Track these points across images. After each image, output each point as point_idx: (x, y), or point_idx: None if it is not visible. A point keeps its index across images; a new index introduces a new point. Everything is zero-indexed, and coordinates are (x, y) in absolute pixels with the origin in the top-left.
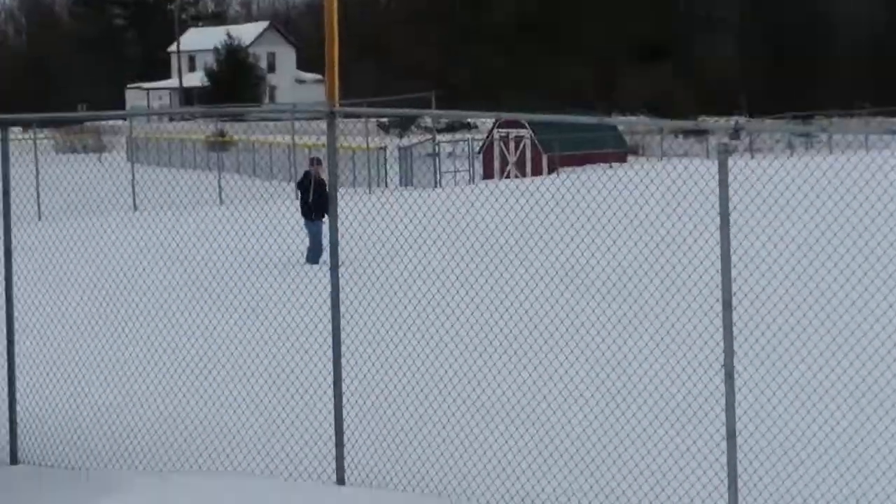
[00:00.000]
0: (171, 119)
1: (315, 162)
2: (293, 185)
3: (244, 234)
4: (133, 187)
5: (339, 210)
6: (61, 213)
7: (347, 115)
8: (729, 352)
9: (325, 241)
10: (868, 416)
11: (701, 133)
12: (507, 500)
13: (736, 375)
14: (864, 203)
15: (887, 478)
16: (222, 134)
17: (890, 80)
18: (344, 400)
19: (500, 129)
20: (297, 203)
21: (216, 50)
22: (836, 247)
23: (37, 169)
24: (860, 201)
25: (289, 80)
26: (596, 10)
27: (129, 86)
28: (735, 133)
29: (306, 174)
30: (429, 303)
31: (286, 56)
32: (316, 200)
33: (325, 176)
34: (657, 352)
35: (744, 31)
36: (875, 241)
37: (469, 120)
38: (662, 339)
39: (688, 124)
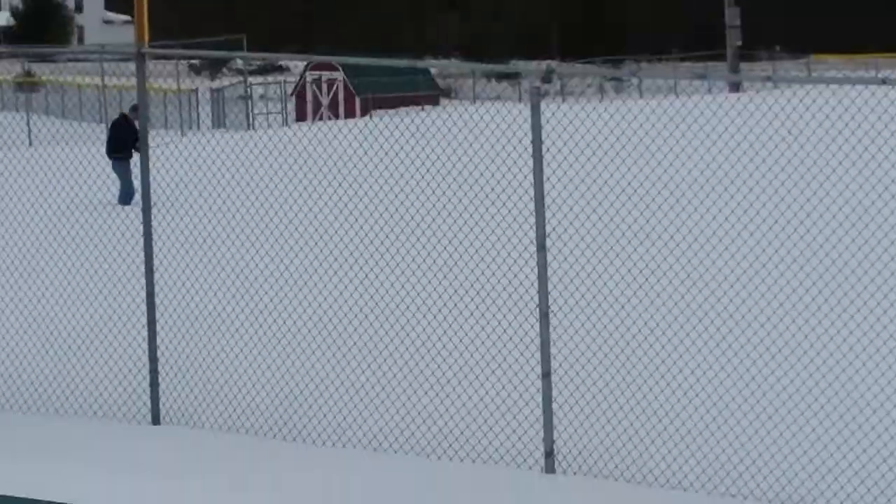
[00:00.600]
0: None
1: (134, 109)
2: (104, 126)
3: (55, 175)
4: None
5: (150, 152)
6: None
7: (157, 57)
8: (543, 293)
9: (137, 183)
10: (680, 352)
11: (513, 76)
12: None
13: (551, 315)
14: (675, 146)
15: (699, 413)
16: (30, 74)
17: (698, 25)
18: (158, 340)
19: (312, 72)
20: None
21: None
22: (647, 189)
23: None
24: (670, 145)
25: (97, 21)
26: None
27: None
28: (547, 76)
29: (124, 117)
30: (254, 243)
31: None
32: (128, 145)
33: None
34: (472, 292)
35: None
36: (679, 182)
37: (281, 63)
38: (478, 280)
39: (499, 67)
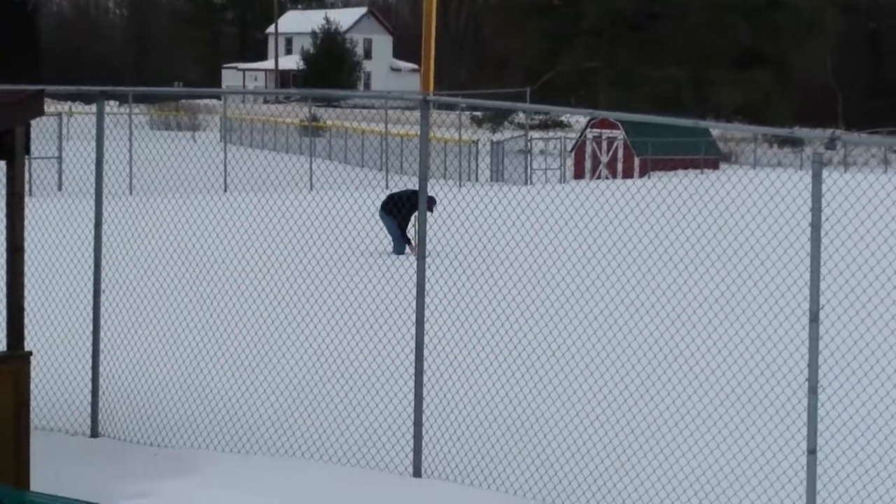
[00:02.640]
0: (266, 101)
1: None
2: (384, 174)
3: (333, 220)
4: (225, 168)
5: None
6: (152, 189)
7: (441, 105)
8: (814, 366)
9: (412, 234)
10: None
11: (796, 143)
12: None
13: (820, 390)
14: None
15: None
16: (316, 119)
17: None
18: (425, 392)
19: (592, 129)
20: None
21: (313, 34)
22: None
23: (130, 143)
24: None
25: (384, 68)
26: (694, 11)
27: (225, 66)
28: (831, 143)
29: (413, 193)
30: (514, 299)
31: (383, 43)
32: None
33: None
34: (741, 361)
35: (842, 41)
36: None
37: (563, 118)
38: (747, 348)
39: (782, 132)
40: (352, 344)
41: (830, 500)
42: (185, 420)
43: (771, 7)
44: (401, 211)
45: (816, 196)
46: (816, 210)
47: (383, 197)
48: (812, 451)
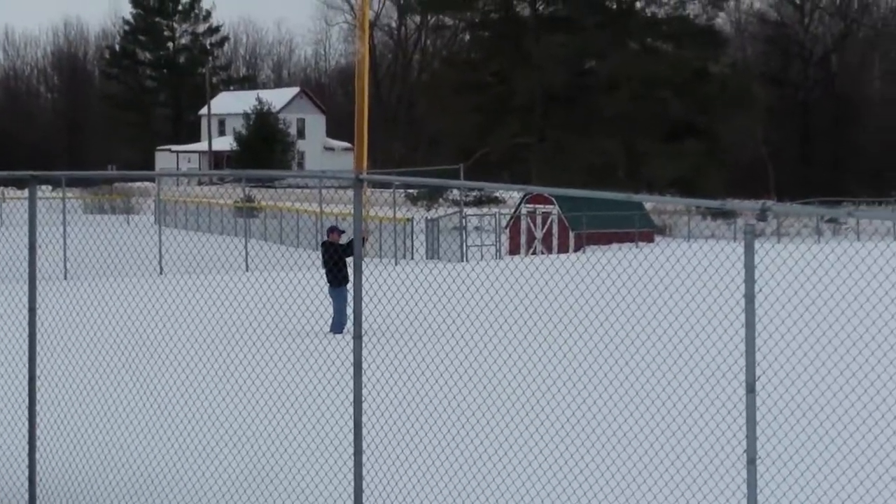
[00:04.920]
0: (200, 182)
1: (333, 231)
2: (319, 253)
3: (269, 301)
4: (160, 250)
5: (363, 280)
6: (87, 272)
7: (375, 184)
8: (752, 438)
9: (349, 311)
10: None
11: (728, 216)
12: None
13: (758, 460)
14: (890, 290)
15: None
16: (250, 199)
17: None
18: (364, 471)
19: (527, 205)
20: (323, 271)
21: (246, 115)
22: (861, 334)
23: (64, 228)
24: (886, 289)
25: (318, 147)
26: (625, 84)
27: (158, 148)
28: (762, 214)
29: (328, 244)
30: (451, 375)
31: (316, 123)
32: (341, 267)
33: (342, 240)
34: (679, 434)
35: (772, 112)
36: (893, 328)
37: (497, 194)
38: (685, 421)
39: (714, 204)
40: (290, 424)
41: None
42: (132, 499)
43: (700, 80)
44: (336, 264)
45: (749, 268)
46: (750, 281)
47: (321, 276)
48: None
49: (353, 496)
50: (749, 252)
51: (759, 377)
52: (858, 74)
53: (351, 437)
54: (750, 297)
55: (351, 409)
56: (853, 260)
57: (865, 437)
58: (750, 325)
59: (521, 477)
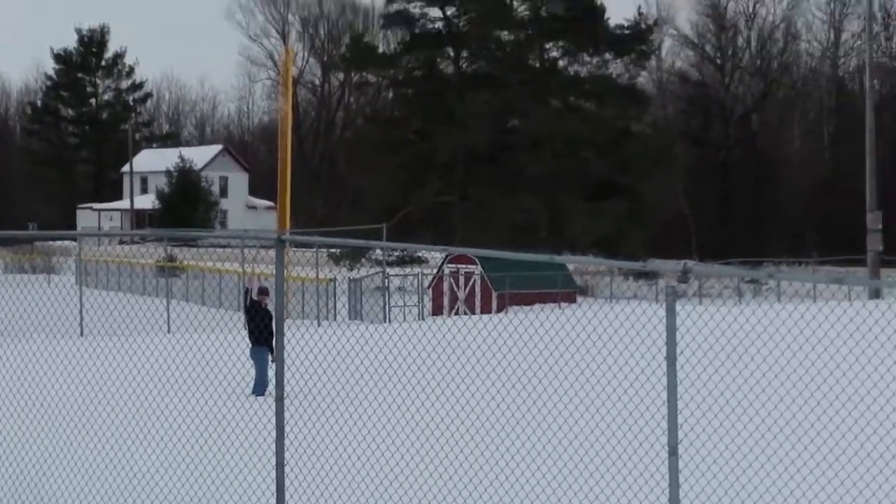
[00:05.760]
0: (122, 242)
1: (262, 291)
2: (242, 314)
3: (191, 362)
4: (81, 311)
5: (285, 341)
6: (7, 332)
7: (297, 244)
8: (675, 501)
9: (271, 373)
10: None
11: (651, 276)
12: None
13: None
14: (811, 353)
15: None
16: (172, 259)
17: (834, 226)
18: None
19: (450, 265)
20: (245, 332)
21: (168, 172)
22: (782, 396)
23: None
24: (806, 351)
25: (240, 206)
26: (547, 144)
27: (80, 206)
28: (683, 275)
29: (255, 303)
30: (377, 436)
31: (239, 181)
32: (263, 330)
33: (270, 307)
34: (602, 497)
35: (693, 172)
36: (813, 390)
37: (420, 253)
38: (608, 484)
39: (636, 265)
40: (212, 489)
41: None
42: None
43: (622, 139)
44: (259, 325)
45: (671, 329)
46: (671, 343)
47: (244, 337)
48: None
49: None
50: (670, 314)
51: (681, 440)
52: (778, 134)
53: (274, 500)
54: (671, 360)
55: (273, 473)
56: (773, 322)
57: (788, 495)
58: (672, 388)
59: None
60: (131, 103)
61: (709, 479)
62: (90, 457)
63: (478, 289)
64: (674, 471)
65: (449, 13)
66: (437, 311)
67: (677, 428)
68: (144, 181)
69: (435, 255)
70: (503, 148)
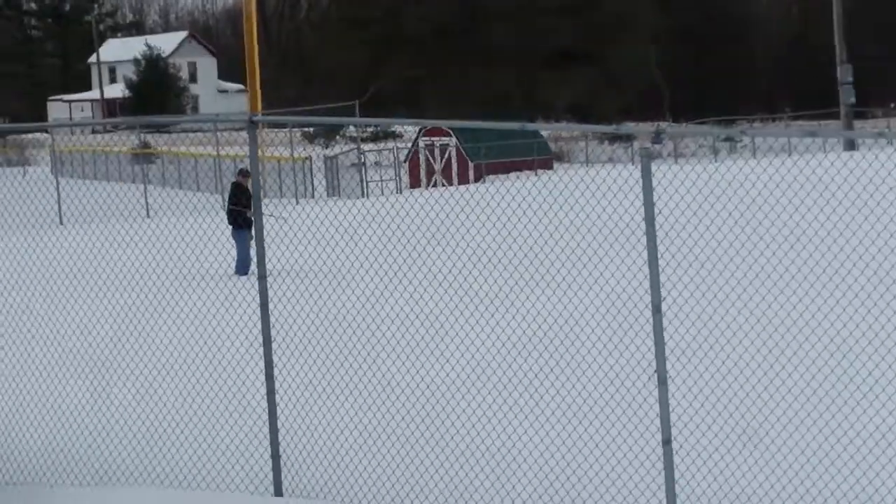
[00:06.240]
0: (94, 131)
1: (243, 173)
2: (219, 196)
3: (172, 246)
4: (59, 200)
5: (264, 220)
6: None
7: (270, 125)
8: (661, 357)
9: (252, 253)
10: (799, 414)
11: (626, 140)
12: None
13: (669, 380)
14: (788, 206)
15: (828, 476)
16: (146, 146)
17: (806, 81)
18: (279, 410)
19: (424, 138)
20: (224, 214)
21: (136, 61)
22: (762, 250)
23: None
24: (783, 205)
25: (211, 91)
26: (514, 14)
27: (50, 98)
28: (657, 136)
29: (236, 185)
30: (358, 312)
31: (207, 66)
32: (243, 211)
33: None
34: (589, 358)
35: (663, 36)
36: (798, 245)
37: (394, 128)
38: (594, 345)
39: (608, 128)
40: (200, 367)
41: (689, 488)
42: (35, 454)
43: (587, 7)
44: (235, 207)
45: (647, 190)
46: (649, 204)
47: (222, 218)
48: (667, 442)
49: (268, 436)
50: (646, 175)
51: (664, 297)
52: None
53: (262, 377)
54: (650, 220)
55: (262, 350)
56: (749, 177)
57: (767, 354)
58: (651, 248)
59: (429, 415)
60: None
61: (693, 335)
62: (75, 340)
63: (454, 160)
64: (658, 327)
65: None
66: (414, 184)
67: (660, 287)
68: (112, 71)
69: (409, 130)
70: (471, 20)
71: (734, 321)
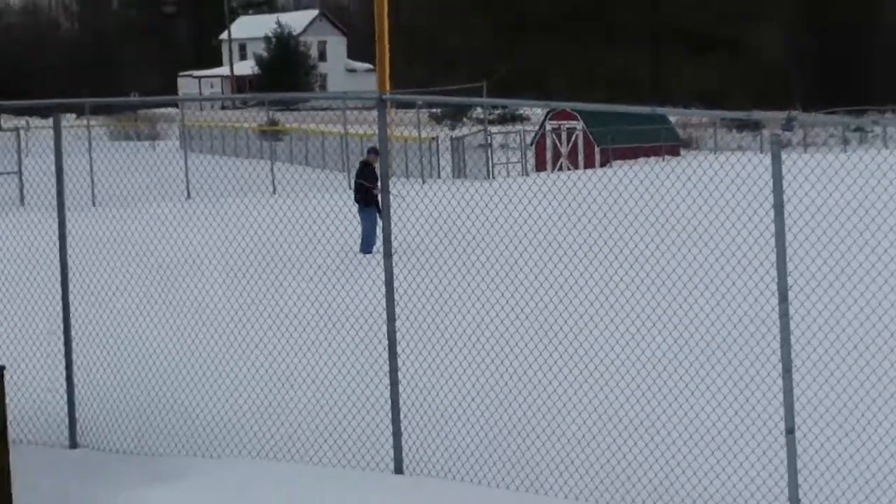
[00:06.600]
0: (224, 107)
1: (373, 151)
2: (345, 174)
3: (298, 223)
4: (187, 175)
5: (391, 199)
6: (115, 199)
7: (398, 104)
8: (786, 345)
9: (378, 231)
10: None
11: (754, 127)
12: (571, 493)
13: (794, 370)
14: None
15: None
16: (274, 123)
17: None
18: (400, 388)
19: (552, 121)
20: (352, 192)
21: (266, 38)
22: (891, 241)
23: (90, 156)
24: None
25: (340, 70)
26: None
27: (180, 73)
28: (788, 124)
29: (364, 164)
30: (483, 293)
31: (337, 45)
32: (369, 195)
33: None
34: (713, 345)
35: (795, 22)
36: None
37: (521, 111)
38: (719, 332)
39: (741, 115)
40: (324, 344)
41: (812, 479)
42: (163, 428)
43: None
44: (365, 182)
45: (777, 177)
46: (778, 191)
47: (349, 196)
48: (790, 431)
49: (390, 413)
50: (776, 161)
51: (791, 286)
52: None
53: (386, 354)
54: (779, 207)
55: (384, 327)
56: (881, 167)
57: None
58: (780, 235)
59: (551, 397)
60: None
61: (820, 325)
62: (203, 316)
63: (580, 144)
64: (784, 316)
65: None
66: (540, 167)
67: (786, 275)
68: (243, 48)
69: (536, 113)
70: (602, 3)
71: (861, 311)
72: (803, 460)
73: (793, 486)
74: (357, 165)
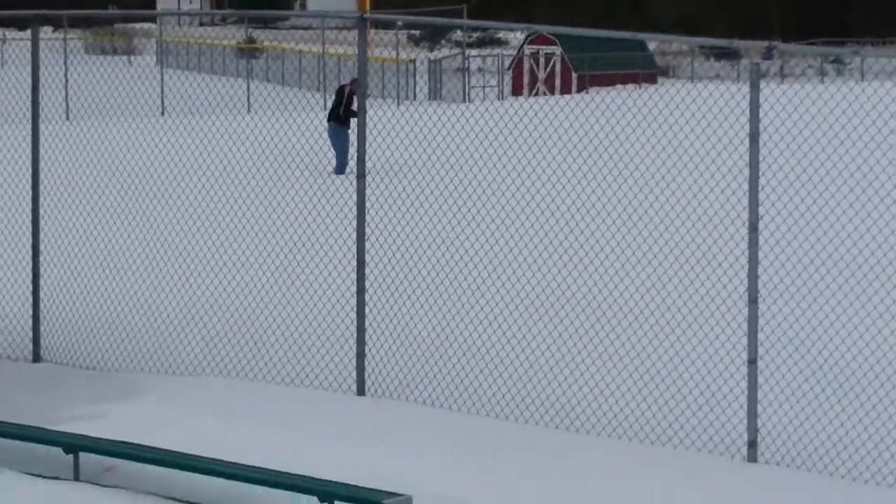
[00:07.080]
0: (202, 23)
1: (355, 82)
2: (322, 94)
3: (272, 141)
4: (162, 91)
5: (366, 120)
6: (89, 113)
7: (378, 24)
8: (753, 274)
9: (352, 151)
10: (887, 355)
11: (732, 57)
12: (521, 417)
13: (760, 300)
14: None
15: None
16: (252, 40)
17: None
18: (367, 310)
19: (530, 45)
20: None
21: None
22: (864, 173)
23: (66, 68)
24: (892, 127)
25: None
26: None
27: None
28: (768, 53)
29: (342, 87)
30: (454, 216)
31: None
32: (345, 111)
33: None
34: (681, 273)
35: None
36: None
37: (500, 35)
38: (687, 260)
39: (721, 42)
40: (293, 263)
41: (771, 409)
42: (127, 344)
43: None
44: (339, 105)
45: (754, 105)
46: (754, 119)
47: (322, 118)
48: (752, 361)
49: (355, 334)
50: (754, 89)
51: (762, 216)
52: None
53: (354, 274)
54: (754, 136)
55: (354, 247)
56: (858, 98)
57: (865, 274)
58: (754, 164)
59: (516, 322)
60: None
61: (788, 255)
62: (174, 231)
63: (558, 69)
64: (753, 246)
65: None
66: (517, 91)
67: (758, 204)
68: None
69: (515, 37)
70: None
71: (830, 243)
72: (763, 391)
73: (752, 415)
74: (335, 86)
